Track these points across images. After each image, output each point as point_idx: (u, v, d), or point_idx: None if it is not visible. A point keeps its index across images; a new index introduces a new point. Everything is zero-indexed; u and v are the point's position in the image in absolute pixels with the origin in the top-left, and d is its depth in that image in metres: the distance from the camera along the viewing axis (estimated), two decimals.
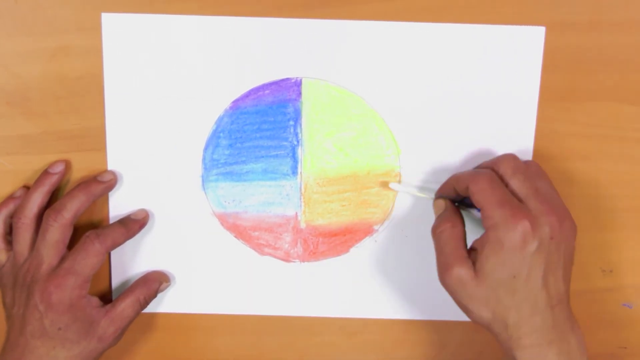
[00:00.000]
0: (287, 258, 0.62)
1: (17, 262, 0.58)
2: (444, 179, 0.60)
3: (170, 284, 0.62)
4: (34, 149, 0.60)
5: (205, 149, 0.60)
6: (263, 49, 0.59)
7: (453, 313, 0.64)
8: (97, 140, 0.60)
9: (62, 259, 0.57)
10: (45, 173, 0.59)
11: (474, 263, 0.53)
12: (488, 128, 0.60)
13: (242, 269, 0.63)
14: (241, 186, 0.61)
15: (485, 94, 0.60)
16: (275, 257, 0.62)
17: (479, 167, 0.58)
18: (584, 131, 0.61)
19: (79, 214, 0.58)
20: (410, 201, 0.61)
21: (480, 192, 0.53)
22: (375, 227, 0.62)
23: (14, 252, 0.58)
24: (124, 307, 0.59)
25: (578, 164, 0.61)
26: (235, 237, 0.62)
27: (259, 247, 0.62)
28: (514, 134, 0.60)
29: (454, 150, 0.60)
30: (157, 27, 0.58)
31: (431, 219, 0.61)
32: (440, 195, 0.59)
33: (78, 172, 0.61)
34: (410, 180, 0.61)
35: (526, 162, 0.56)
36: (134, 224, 0.60)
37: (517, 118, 0.60)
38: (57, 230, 0.57)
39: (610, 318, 0.64)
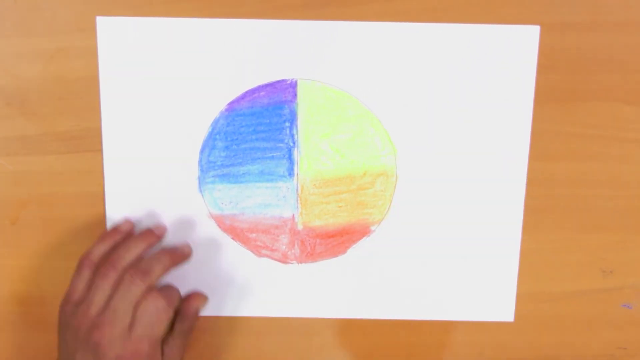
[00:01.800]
0: (284, 259, 0.62)
1: (89, 312, 0.54)
2: (439, 178, 0.60)
3: (207, 300, 0.61)
4: (33, 150, 0.61)
5: (202, 151, 0.60)
6: (258, 51, 0.59)
7: (452, 313, 0.64)
8: (95, 141, 0.60)
9: (133, 322, 0.54)
10: (150, 232, 0.58)
11: None
12: (484, 128, 0.60)
13: (240, 270, 0.63)
14: (238, 188, 0.61)
15: (480, 94, 0.59)
16: (272, 258, 0.62)
17: None
18: (583, 131, 0.61)
19: (159, 279, 0.56)
20: (408, 201, 0.61)
21: None
22: (372, 228, 0.62)
23: (89, 299, 0.55)
24: (175, 350, 0.58)
25: (578, 164, 0.61)
26: (233, 239, 0.62)
27: (256, 249, 0.62)
28: (510, 134, 0.60)
29: (449, 150, 0.60)
30: (152, 30, 0.58)
31: (429, 220, 0.61)
32: None
33: (77, 173, 0.61)
34: (407, 180, 0.61)
35: None
36: (181, 258, 0.59)
37: (513, 118, 0.60)
38: (140, 292, 0.54)
39: (610, 319, 0.64)
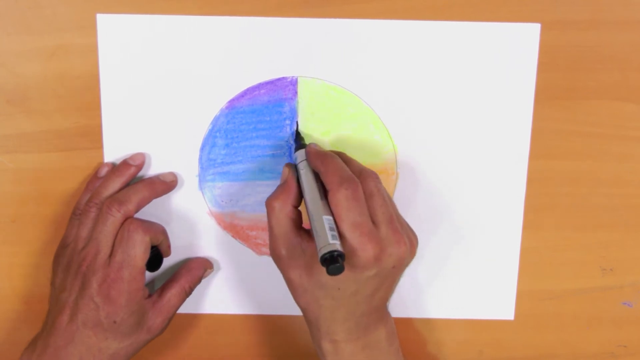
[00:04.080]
0: None
1: (77, 247, 0.57)
2: (440, 176, 0.60)
3: (213, 270, 0.62)
4: (33, 147, 0.61)
5: (202, 148, 0.60)
6: (259, 48, 0.59)
7: (452, 311, 0.64)
8: (95, 138, 0.60)
9: (113, 250, 0.56)
10: (125, 163, 0.59)
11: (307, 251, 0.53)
12: (484, 125, 0.60)
13: (240, 268, 0.63)
14: (238, 186, 0.61)
15: (481, 92, 0.59)
16: None
17: (349, 162, 0.56)
18: (583, 130, 0.61)
19: (140, 208, 0.58)
20: (408, 199, 0.61)
21: (337, 206, 0.51)
22: None
23: (76, 236, 0.57)
24: (170, 296, 0.59)
25: (577, 163, 0.61)
26: (233, 236, 0.62)
27: (256, 247, 0.62)
28: (510, 132, 0.60)
29: (449, 147, 0.60)
30: (153, 28, 0.58)
31: (429, 218, 0.61)
32: (303, 159, 0.56)
33: (77, 170, 0.61)
34: (407, 177, 0.61)
35: (379, 182, 0.54)
36: (162, 187, 0.60)
37: (513, 116, 0.60)
38: (118, 221, 0.56)
39: (610, 317, 0.64)
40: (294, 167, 0.56)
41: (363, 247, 0.50)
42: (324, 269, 0.50)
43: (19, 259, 0.63)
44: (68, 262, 0.57)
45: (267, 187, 0.61)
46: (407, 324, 0.64)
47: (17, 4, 0.58)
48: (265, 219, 0.61)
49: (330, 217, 0.50)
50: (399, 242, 0.51)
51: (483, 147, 0.60)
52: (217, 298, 0.63)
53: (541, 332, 0.64)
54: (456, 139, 0.60)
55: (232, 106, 0.60)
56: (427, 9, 0.58)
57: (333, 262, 0.47)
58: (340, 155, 0.56)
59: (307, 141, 0.60)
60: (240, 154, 0.60)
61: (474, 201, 0.61)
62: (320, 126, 0.60)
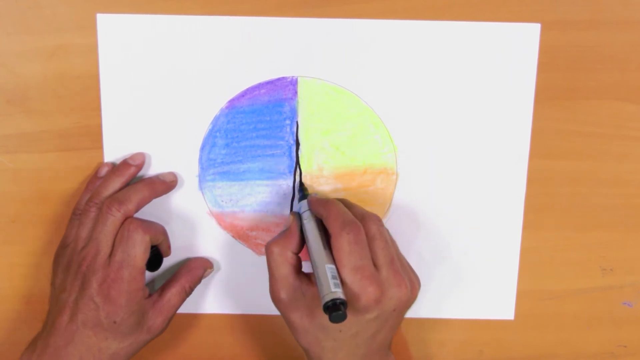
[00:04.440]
0: None
1: (77, 247, 0.57)
2: (440, 176, 0.60)
3: (213, 270, 0.62)
4: (33, 148, 0.61)
5: (202, 148, 0.60)
6: (259, 48, 0.59)
7: (453, 311, 0.64)
8: (95, 138, 0.60)
9: (113, 250, 0.56)
10: (125, 163, 0.59)
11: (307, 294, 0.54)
12: (484, 125, 0.60)
13: (240, 268, 0.63)
14: (238, 186, 0.61)
15: (481, 92, 0.59)
16: None
17: (351, 207, 0.57)
18: (584, 130, 0.61)
19: (140, 208, 0.58)
20: (408, 200, 0.61)
21: (339, 250, 0.52)
22: None
23: (76, 236, 0.57)
24: (170, 296, 0.59)
25: (577, 163, 0.61)
26: (233, 236, 0.62)
27: (256, 247, 0.62)
28: (510, 132, 0.60)
29: (449, 147, 0.60)
30: (153, 27, 0.58)
31: (429, 218, 0.61)
32: (307, 209, 0.58)
33: (77, 171, 0.61)
34: (407, 177, 0.61)
35: (381, 225, 0.55)
36: (162, 187, 0.60)
37: (514, 115, 0.60)
38: (118, 221, 0.56)
39: (610, 317, 0.64)
40: (298, 216, 0.58)
41: (364, 290, 0.51)
42: (323, 318, 0.52)
43: (19, 259, 0.63)
44: (68, 262, 0.57)
45: (267, 187, 0.61)
46: (407, 324, 0.64)
47: (17, 4, 0.58)
48: (265, 219, 0.61)
49: (333, 266, 0.52)
50: (400, 285, 0.52)
51: (483, 147, 0.60)
52: (217, 298, 0.63)
53: (541, 332, 0.64)
54: (456, 139, 0.60)
55: (232, 106, 0.60)
56: (427, 9, 0.58)
57: (335, 309, 0.49)
58: (343, 201, 0.58)
59: (307, 142, 0.60)
60: (241, 153, 0.60)
61: (474, 201, 0.61)
62: (320, 126, 0.60)
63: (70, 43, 0.59)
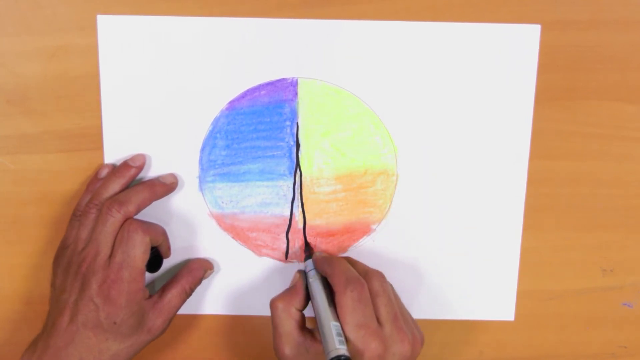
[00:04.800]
0: (285, 259, 0.62)
1: (77, 248, 0.57)
2: (440, 177, 0.60)
3: (213, 271, 0.62)
4: (34, 148, 0.61)
5: (202, 150, 0.60)
6: (259, 50, 0.59)
7: (453, 312, 0.64)
8: (95, 139, 0.60)
9: (113, 251, 0.56)
10: (126, 165, 0.59)
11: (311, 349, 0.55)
12: (484, 126, 0.60)
13: (240, 269, 0.63)
14: (238, 187, 0.61)
15: (481, 93, 0.59)
16: (273, 257, 0.62)
17: (354, 264, 0.58)
18: (584, 130, 0.61)
19: (140, 210, 0.58)
20: (408, 201, 0.61)
21: (343, 307, 0.53)
22: (373, 227, 0.62)
23: (76, 237, 0.57)
24: (171, 297, 0.59)
25: (578, 163, 0.61)
26: (233, 237, 0.62)
27: (256, 248, 0.62)
28: (511, 133, 0.60)
29: (450, 148, 0.60)
30: (153, 29, 0.58)
31: (430, 219, 0.61)
32: (312, 268, 0.59)
33: (77, 171, 0.61)
34: (407, 178, 0.61)
35: (384, 281, 0.56)
36: (162, 189, 0.60)
37: (514, 116, 0.60)
38: (118, 222, 0.56)
39: (610, 317, 0.64)
40: (304, 274, 0.59)
41: (367, 347, 0.52)
42: None
43: (20, 259, 0.63)
44: (68, 263, 0.57)
45: (268, 188, 0.61)
46: None
47: (17, 4, 0.58)
48: (265, 220, 0.61)
49: (338, 324, 0.53)
50: (403, 341, 0.53)
51: (483, 147, 0.60)
52: (217, 299, 0.63)
53: (541, 333, 0.64)
54: (456, 140, 0.60)
55: (233, 107, 0.60)
56: (427, 10, 0.58)
57: None
58: (347, 259, 0.59)
59: (307, 143, 0.60)
60: (241, 155, 0.60)
61: (475, 201, 0.61)
62: (321, 127, 0.60)
63: (71, 44, 0.59)
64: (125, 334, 0.56)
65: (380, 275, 0.56)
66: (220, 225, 0.62)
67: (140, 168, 0.60)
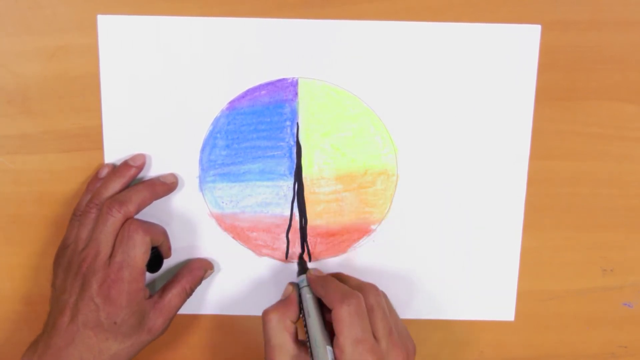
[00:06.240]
0: (285, 258, 0.62)
1: (77, 248, 0.57)
2: (440, 177, 0.60)
3: (214, 271, 0.62)
4: (34, 148, 0.61)
5: (202, 150, 0.60)
6: (259, 50, 0.59)
7: (453, 312, 0.64)
8: (95, 139, 0.60)
9: (113, 251, 0.56)
10: (126, 164, 0.59)
11: None
12: (484, 126, 0.60)
13: (240, 269, 0.63)
14: (238, 187, 0.61)
15: (481, 93, 0.59)
16: (273, 257, 0.62)
17: (347, 280, 0.59)
18: (584, 130, 0.61)
19: (140, 209, 0.58)
20: (408, 201, 0.61)
21: (340, 322, 0.53)
22: (373, 227, 0.62)
23: (76, 237, 0.57)
24: (171, 297, 0.59)
25: (578, 163, 0.61)
26: (233, 237, 0.62)
27: (257, 248, 0.62)
28: (511, 133, 0.60)
29: (450, 148, 0.60)
30: (153, 29, 0.58)
31: (430, 219, 0.61)
32: (305, 285, 0.58)
33: (77, 171, 0.61)
34: (408, 179, 0.61)
35: (378, 294, 0.56)
36: (163, 188, 0.60)
37: (514, 116, 0.60)
38: (118, 222, 0.56)
39: (610, 317, 0.64)
40: (297, 287, 0.59)
41: None
42: None
43: (20, 259, 0.63)
44: (68, 263, 0.57)
45: (268, 188, 0.61)
46: (407, 325, 0.64)
47: (17, 4, 0.58)
48: (265, 220, 0.61)
49: (331, 348, 0.53)
50: (398, 356, 0.54)
51: (483, 147, 0.60)
52: (217, 299, 0.63)
53: (541, 333, 0.64)
54: (457, 140, 0.60)
55: (233, 107, 0.60)
56: (427, 10, 0.58)
57: None
58: (338, 275, 0.60)
59: (307, 143, 0.60)
60: (241, 155, 0.60)
61: (475, 201, 0.61)
62: (321, 127, 0.60)
63: (71, 44, 0.59)
64: (125, 334, 0.56)
65: (374, 289, 0.56)
66: (220, 225, 0.62)
67: (140, 168, 0.60)
